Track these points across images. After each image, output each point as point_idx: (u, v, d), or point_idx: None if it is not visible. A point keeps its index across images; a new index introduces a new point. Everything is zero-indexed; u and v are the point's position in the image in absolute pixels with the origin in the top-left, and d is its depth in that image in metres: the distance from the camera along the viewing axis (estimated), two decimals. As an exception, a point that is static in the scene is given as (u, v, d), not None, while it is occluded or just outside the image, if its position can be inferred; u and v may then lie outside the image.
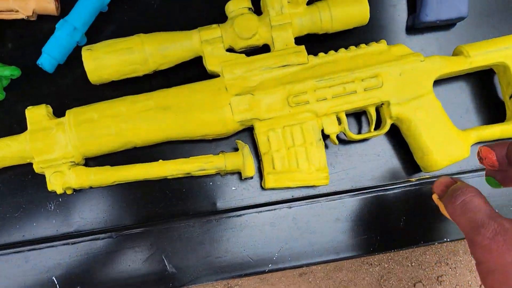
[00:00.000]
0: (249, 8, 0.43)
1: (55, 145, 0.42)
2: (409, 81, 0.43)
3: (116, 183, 0.43)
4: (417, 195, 0.45)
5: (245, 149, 0.43)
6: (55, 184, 0.42)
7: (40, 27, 0.47)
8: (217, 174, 0.45)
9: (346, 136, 0.45)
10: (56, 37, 0.44)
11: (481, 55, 0.44)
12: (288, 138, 0.43)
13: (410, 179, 0.46)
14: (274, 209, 0.44)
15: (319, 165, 0.43)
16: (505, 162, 0.34)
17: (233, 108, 0.42)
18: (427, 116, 0.43)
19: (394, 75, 0.43)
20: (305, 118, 0.43)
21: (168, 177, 0.44)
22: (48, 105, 0.43)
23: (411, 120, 0.43)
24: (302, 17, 0.44)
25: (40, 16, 0.46)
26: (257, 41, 0.43)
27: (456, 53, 0.46)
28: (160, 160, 0.43)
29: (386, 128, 0.44)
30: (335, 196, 0.45)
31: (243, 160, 0.42)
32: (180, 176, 0.44)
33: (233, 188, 0.46)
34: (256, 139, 0.44)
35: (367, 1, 0.44)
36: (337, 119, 0.44)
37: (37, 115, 0.42)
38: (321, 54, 0.44)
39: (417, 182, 0.46)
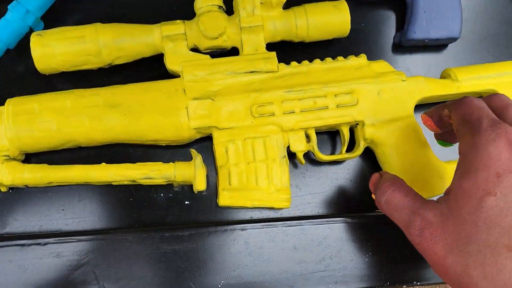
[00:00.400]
0: (219, 6, 0.39)
1: None
2: (388, 102, 0.39)
3: (53, 184, 0.39)
4: (389, 229, 0.40)
5: (197, 160, 0.38)
6: None
7: (-5, 8, 0.43)
8: (170, 185, 0.41)
9: (314, 156, 0.40)
10: (6, 19, 0.40)
11: (470, 80, 0.40)
12: (248, 152, 0.38)
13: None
14: (225, 230, 0.39)
15: (281, 185, 0.38)
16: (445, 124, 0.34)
17: (189, 113, 0.38)
18: (405, 141, 0.39)
19: (371, 93, 0.39)
20: (269, 132, 0.38)
21: (112, 183, 0.39)
22: None
23: (386, 144, 0.39)
24: (276, 21, 0.40)
25: (-7, -4, 0.43)
26: (224, 42, 0.40)
27: (444, 76, 0.42)
28: (103, 163, 0.39)
29: (359, 151, 0.40)
30: (296, 221, 0.40)
31: (194, 171, 0.38)
32: (125, 183, 0.39)
33: (186, 202, 0.41)
34: (213, 150, 0.39)
35: (348, 11, 0.40)
36: (306, 137, 0.40)
37: None
38: (294, 63, 0.40)
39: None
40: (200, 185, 0.38)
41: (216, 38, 0.39)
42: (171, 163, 0.39)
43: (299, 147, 0.39)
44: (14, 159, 0.39)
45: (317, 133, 0.41)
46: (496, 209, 0.27)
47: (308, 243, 0.39)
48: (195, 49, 0.40)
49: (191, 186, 0.40)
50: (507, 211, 0.26)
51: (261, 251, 0.39)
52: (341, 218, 0.40)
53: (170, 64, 0.39)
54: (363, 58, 0.40)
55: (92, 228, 0.41)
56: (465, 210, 0.28)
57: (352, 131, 0.41)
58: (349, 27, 0.40)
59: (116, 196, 0.41)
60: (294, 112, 0.38)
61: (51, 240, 0.39)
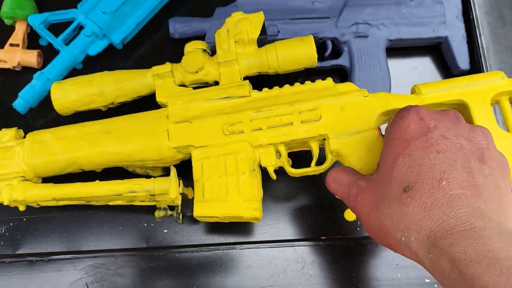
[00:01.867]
0: (203, 50, 0.46)
1: (12, 161, 0.45)
2: (351, 116, 0.41)
3: (57, 199, 0.45)
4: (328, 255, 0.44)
5: (172, 171, 0.42)
6: (3, 196, 0.44)
7: (22, 76, 0.53)
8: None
9: (285, 170, 0.43)
10: (31, 85, 0.50)
11: (434, 92, 0.41)
12: (221, 167, 0.42)
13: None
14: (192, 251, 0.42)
15: (249, 196, 0.41)
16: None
17: (170, 135, 0.43)
18: (368, 153, 0.40)
19: (334, 109, 0.42)
20: (240, 148, 0.42)
21: (102, 198, 0.44)
22: (20, 129, 0.48)
23: (349, 155, 0.40)
24: (249, 56, 0.45)
25: (25, 67, 0.53)
26: (205, 76, 0.45)
27: (412, 91, 0.43)
28: (97, 181, 0.44)
29: (327, 163, 0.42)
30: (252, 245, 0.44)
31: (169, 182, 0.42)
32: (113, 198, 0.44)
33: (164, 231, 0.47)
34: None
35: (313, 43, 0.44)
36: (278, 153, 0.42)
37: (6, 135, 0.47)
38: (265, 89, 0.44)
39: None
40: (172, 193, 0.41)
41: (196, 72, 0.45)
42: (152, 178, 0.43)
43: (268, 162, 0.42)
44: (30, 181, 0.46)
45: (295, 152, 0.44)
46: (404, 167, 0.31)
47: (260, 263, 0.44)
48: (182, 85, 0.46)
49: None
50: (413, 168, 0.30)
51: (221, 269, 0.43)
52: (289, 243, 0.45)
53: (159, 97, 0.46)
54: (329, 80, 0.43)
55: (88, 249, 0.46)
56: (383, 172, 0.33)
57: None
58: (316, 58, 0.45)
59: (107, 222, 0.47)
60: (261, 129, 0.42)
61: (53, 257, 0.45)
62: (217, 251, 0.45)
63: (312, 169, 0.42)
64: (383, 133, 0.40)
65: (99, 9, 0.49)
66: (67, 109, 0.47)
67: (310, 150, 0.43)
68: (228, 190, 0.41)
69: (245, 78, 0.45)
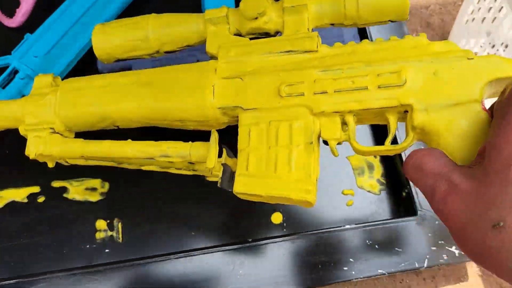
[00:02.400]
0: None
1: (43, 110, 0.40)
2: (446, 83, 0.31)
3: (85, 157, 0.40)
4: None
5: (212, 137, 0.35)
6: (30, 148, 0.40)
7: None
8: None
9: (351, 147, 0.34)
10: None
11: None
12: (271, 136, 0.34)
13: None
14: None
15: (303, 174, 0.32)
16: None
17: (215, 92, 0.36)
18: (466, 134, 0.29)
19: (424, 73, 0.31)
20: (297, 114, 0.33)
21: (133, 161, 0.38)
22: (58, 76, 0.43)
23: (441, 134, 0.30)
24: (322, 3, 0.37)
25: None
26: (266, 24, 0.37)
27: None
28: (129, 140, 0.39)
29: (407, 142, 0.32)
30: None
31: (208, 149, 0.35)
32: (146, 162, 0.38)
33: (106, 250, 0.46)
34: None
35: None
36: (344, 124, 0.34)
37: (42, 82, 0.42)
38: (338, 43, 0.36)
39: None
40: (210, 161, 0.34)
41: (256, 18, 0.37)
42: (189, 142, 0.37)
43: (331, 134, 0.33)
44: (61, 134, 0.41)
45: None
46: None
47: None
48: (238, 35, 0.39)
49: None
50: None
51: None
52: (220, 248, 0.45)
53: (209, 47, 0.38)
54: (422, 37, 0.34)
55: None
56: (494, 168, 0.23)
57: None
58: (408, 6, 0.35)
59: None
60: (326, 93, 0.33)
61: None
62: (153, 263, 0.44)
63: (386, 148, 0.33)
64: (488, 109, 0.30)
65: (31, 54, 0.51)
66: (108, 56, 0.42)
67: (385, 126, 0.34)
68: (277, 165, 0.33)
69: (313, 31, 0.37)
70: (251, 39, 0.38)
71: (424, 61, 0.32)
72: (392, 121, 0.33)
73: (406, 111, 0.32)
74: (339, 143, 0.34)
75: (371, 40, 0.36)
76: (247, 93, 0.35)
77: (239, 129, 0.35)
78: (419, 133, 0.32)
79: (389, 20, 0.36)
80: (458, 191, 0.25)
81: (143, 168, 0.39)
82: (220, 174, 0.36)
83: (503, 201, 0.21)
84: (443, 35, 0.60)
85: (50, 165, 0.42)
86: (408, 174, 0.29)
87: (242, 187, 0.33)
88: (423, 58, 0.32)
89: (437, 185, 0.26)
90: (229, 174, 0.36)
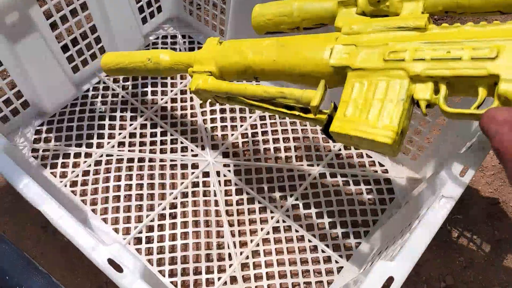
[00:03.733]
0: None
1: (207, 60, 0.55)
2: None
3: (228, 94, 0.51)
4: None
5: (320, 84, 0.43)
6: (192, 84, 0.55)
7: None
8: None
9: (439, 108, 0.38)
10: None
11: None
12: (370, 91, 0.40)
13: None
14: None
15: (389, 123, 0.38)
16: None
17: (332, 53, 0.44)
18: None
19: None
20: (395, 75, 0.40)
21: (258, 96, 0.49)
22: (222, 39, 0.57)
23: None
24: None
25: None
26: (387, 7, 0.44)
27: None
28: (260, 84, 0.50)
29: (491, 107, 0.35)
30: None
31: (315, 93, 0.43)
32: (265, 105, 0.49)
33: None
34: None
35: None
36: (436, 91, 0.38)
37: (212, 41, 0.56)
38: (445, 24, 0.40)
39: None
40: (314, 100, 0.42)
41: (379, 1, 0.44)
42: (303, 89, 0.45)
43: (423, 95, 0.38)
44: (215, 77, 0.54)
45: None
46: None
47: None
48: (361, 15, 0.46)
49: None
50: None
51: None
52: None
53: (337, 22, 0.47)
54: None
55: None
56: None
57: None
58: None
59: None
60: (424, 60, 0.38)
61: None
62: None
63: (471, 112, 0.36)
64: None
65: None
66: (261, 28, 0.53)
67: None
68: (370, 113, 0.39)
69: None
70: (372, 17, 0.45)
71: None
72: (482, 92, 0.36)
73: (495, 84, 0.35)
74: (429, 106, 0.39)
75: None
76: (357, 56, 0.42)
77: (345, 85, 0.42)
78: (503, 102, 0.35)
79: (498, 11, 0.40)
80: None
81: (265, 106, 0.49)
82: (324, 121, 0.44)
83: None
84: None
85: (202, 100, 0.56)
86: (482, 124, 0.32)
87: (337, 128, 0.41)
88: None
89: (501, 128, 0.29)
90: (331, 122, 0.43)
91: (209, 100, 0.55)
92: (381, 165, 0.70)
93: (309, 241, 0.63)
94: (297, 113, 0.46)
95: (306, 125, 0.73)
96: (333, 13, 0.48)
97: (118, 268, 0.40)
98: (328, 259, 0.62)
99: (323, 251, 0.62)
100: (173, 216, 0.65)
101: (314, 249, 0.63)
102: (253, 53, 0.50)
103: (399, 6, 0.44)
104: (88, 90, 0.76)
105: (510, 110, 0.30)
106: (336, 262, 0.62)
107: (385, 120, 0.39)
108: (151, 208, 0.66)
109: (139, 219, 0.65)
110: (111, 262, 0.40)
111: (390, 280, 0.40)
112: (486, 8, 0.40)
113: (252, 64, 0.50)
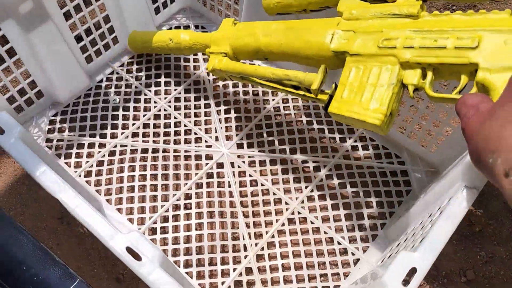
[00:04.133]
0: None
1: (223, 42, 0.59)
2: None
3: (241, 74, 0.55)
4: None
5: (321, 68, 0.47)
6: (209, 64, 0.59)
7: None
8: None
9: (425, 92, 0.41)
10: None
11: None
12: (365, 75, 0.44)
13: None
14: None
15: (378, 105, 0.42)
16: None
17: (333, 38, 0.47)
18: None
19: (496, 41, 0.37)
20: (387, 61, 0.42)
21: (266, 77, 0.52)
22: (237, 20, 0.60)
23: (495, 90, 0.35)
24: None
25: None
26: None
27: None
28: (267, 66, 0.54)
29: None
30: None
31: (316, 76, 0.47)
32: (272, 85, 0.52)
33: None
34: None
35: None
36: (424, 76, 0.41)
37: (227, 22, 0.60)
38: (436, 12, 0.42)
39: None
40: (315, 84, 0.47)
41: None
42: (307, 73, 0.49)
43: (411, 80, 0.41)
44: (229, 58, 0.58)
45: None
46: None
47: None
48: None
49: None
50: None
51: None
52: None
53: (339, 7, 0.49)
54: (506, 12, 0.38)
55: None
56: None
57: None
58: None
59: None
60: (413, 47, 0.41)
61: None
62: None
63: (453, 96, 0.39)
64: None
65: None
66: (271, 10, 0.55)
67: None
68: (363, 96, 0.43)
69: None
70: (371, 2, 0.47)
71: (499, 31, 0.37)
72: (463, 78, 0.39)
73: (476, 71, 0.37)
74: (417, 89, 0.42)
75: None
76: (355, 42, 0.45)
77: (343, 69, 0.46)
78: (481, 88, 0.37)
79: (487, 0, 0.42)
80: (479, 113, 0.29)
81: (267, 83, 0.53)
82: (325, 101, 0.47)
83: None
84: None
85: (218, 76, 0.60)
86: (456, 107, 0.33)
87: (334, 109, 0.45)
88: (499, 28, 0.37)
89: (468, 111, 0.30)
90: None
91: (224, 81, 0.62)
92: (397, 156, 0.69)
93: (325, 233, 0.63)
94: (302, 92, 0.50)
95: (320, 117, 0.72)
96: None
97: (137, 257, 0.40)
98: (344, 251, 0.61)
99: (339, 243, 0.62)
100: (187, 207, 0.65)
101: (330, 241, 0.62)
102: (263, 36, 0.53)
103: None
104: (101, 81, 0.76)
105: (479, 96, 0.32)
106: (353, 254, 0.61)
107: (375, 103, 0.42)
108: (165, 198, 0.65)
109: (153, 210, 0.64)
110: (129, 250, 0.40)
111: (413, 271, 0.39)
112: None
113: (262, 46, 0.53)
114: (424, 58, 0.40)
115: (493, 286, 0.60)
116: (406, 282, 0.39)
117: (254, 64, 0.73)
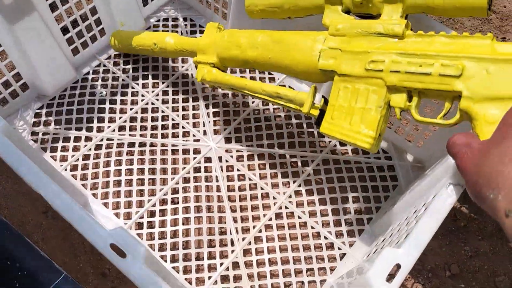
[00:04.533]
0: None
1: (208, 51, 0.57)
2: (496, 81, 0.37)
3: (229, 85, 0.55)
4: None
5: (311, 89, 0.48)
6: (198, 75, 0.58)
7: None
8: None
9: (411, 115, 0.43)
10: None
11: None
12: (353, 97, 0.45)
13: None
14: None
15: (368, 129, 0.44)
16: None
17: (320, 57, 0.48)
18: (497, 121, 0.36)
19: (479, 69, 0.38)
20: (375, 84, 0.44)
21: (256, 92, 0.53)
22: (221, 25, 0.59)
23: (478, 119, 0.37)
24: None
25: None
26: (369, 8, 0.47)
27: None
28: (258, 81, 0.55)
29: (454, 120, 0.40)
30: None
31: (306, 99, 0.48)
32: (264, 97, 0.52)
33: None
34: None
35: None
36: (410, 98, 0.43)
37: (212, 28, 0.59)
38: (420, 32, 0.43)
39: None
40: (305, 107, 0.48)
41: (361, 3, 0.47)
42: (296, 91, 0.50)
43: (398, 103, 0.43)
44: (218, 68, 0.57)
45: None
46: None
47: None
48: (347, 12, 0.49)
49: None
50: None
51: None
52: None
53: (325, 20, 0.49)
54: (488, 37, 0.39)
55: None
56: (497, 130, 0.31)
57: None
58: (486, 5, 0.40)
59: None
60: (399, 72, 0.42)
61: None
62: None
63: (437, 121, 0.42)
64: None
65: None
66: (255, 15, 0.55)
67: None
68: (352, 118, 0.45)
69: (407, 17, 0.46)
70: (357, 16, 0.48)
71: (481, 60, 0.38)
72: (447, 104, 0.41)
73: (460, 96, 0.39)
74: (403, 110, 0.44)
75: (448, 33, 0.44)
76: (342, 62, 0.46)
77: (332, 88, 0.46)
78: (464, 115, 0.39)
79: (470, 16, 0.42)
80: (472, 150, 0.32)
81: (257, 95, 0.53)
82: (316, 115, 0.49)
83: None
84: None
85: (210, 86, 0.59)
86: (448, 149, 0.36)
87: (325, 129, 0.47)
88: (481, 57, 0.38)
89: (460, 149, 0.33)
90: (322, 116, 0.48)
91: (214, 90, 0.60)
92: (384, 152, 0.69)
93: (312, 227, 0.63)
94: (293, 106, 0.50)
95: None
96: (321, 8, 0.50)
97: (121, 253, 0.40)
98: (331, 246, 0.62)
99: (325, 238, 0.62)
100: (174, 201, 0.65)
101: (317, 235, 0.62)
102: (250, 48, 0.53)
103: (380, 6, 0.46)
104: (88, 73, 0.75)
105: (468, 135, 0.35)
106: (339, 249, 0.61)
107: (364, 128, 0.44)
108: (152, 193, 0.65)
109: (140, 204, 0.64)
110: (113, 247, 0.40)
111: (398, 267, 0.40)
112: (459, 14, 0.43)
113: (249, 59, 0.53)
114: (410, 83, 0.42)
115: (477, 281, 0.61)
116: (391, 276, 0.39)
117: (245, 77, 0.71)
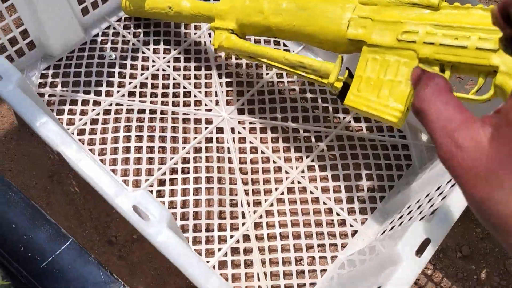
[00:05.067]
0: None
1: (228, 16, 0.54)
2: None
3: (251, 55, 0.53)
4: None
5: (337, 60, 0.46)
6: (215, 41, 0.55)
7: None
8: None
9: None
10: None
11: None
12: (382, 68, 0.43)
13: None
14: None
15: (397, 102, 0.42)
16: None
17: (349, 26, 0.46)
18: None
19: None
20: (406, 56, 0.42)
21: (277, 64, 0.50)
22: None
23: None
24: None
25: None
26: None
27: None
28: (281, 50, 0.52)
29: (487, 95, 0.39)
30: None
31: (332, 69, 0.46)
32: (284, 67, 0.50)
33: None
34: None
35: None
36: (442, 72, 0.41)
37: None
38: (456, 4, 0.41)
39: None
40: (331, 77, 0.46)
41: None
42: (321, 60, 0.47)
43: None
44: (237, 35, 0.54)
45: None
46: None
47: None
48: None
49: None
50: None
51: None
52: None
53: None
54: None
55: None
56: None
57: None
58: None
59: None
60: (433, 44, 0.40)
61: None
62: None
63: (470, 97, 0.40)
64: None
65: None
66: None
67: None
68: (380, 91, 0.42)
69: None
70: None
71: None
72: (481, 79, 0.39)
73: (495, 71, 0.37)
74: None
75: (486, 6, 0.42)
76: (373, 32, 0.44)
77: (360, 58, 0.44)
78: (498, 91, 0.37)
79: None
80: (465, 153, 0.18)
81: (280, 66, 0.51)
82: (339, 88, 0.46)
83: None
84: None
85: (226, 55, 0.56)
86: (417, 103, 0.25)
87: (350, 102, 0.44)
88: None
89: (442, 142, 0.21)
90: (346, 90, 0.46)
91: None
92: (399, 130, 0.68)
93: (324, 203, 0.62)
94: (315, 77, 0.48)
95: (323, 86, 0.70)
96: None
97: (143, 217, 0.38)
98: (342, 222, 0.61)
99: (338, 214, 0.61)
100: (185, 171, 0.63)
101: (329, 211, 0.61)
102: (273, 15, 0.51)
103: None
104: (97, 35, 0.72)
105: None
106: (351, 225, 0.61)
107: (393, 101, 0.42)
108: (162, 161, 0.63)
109: (149, 172, 0.62)
110: (135, 209, 0.38)
111: (426, 242, 0.39)
112: None
113: (272, 26, 0.51)
114: (444, 56, 0.40)
115: (487, 263, 0.61)
116: (418, 251, 0.38)
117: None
